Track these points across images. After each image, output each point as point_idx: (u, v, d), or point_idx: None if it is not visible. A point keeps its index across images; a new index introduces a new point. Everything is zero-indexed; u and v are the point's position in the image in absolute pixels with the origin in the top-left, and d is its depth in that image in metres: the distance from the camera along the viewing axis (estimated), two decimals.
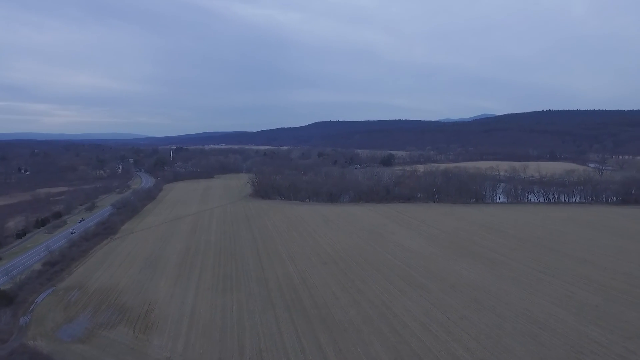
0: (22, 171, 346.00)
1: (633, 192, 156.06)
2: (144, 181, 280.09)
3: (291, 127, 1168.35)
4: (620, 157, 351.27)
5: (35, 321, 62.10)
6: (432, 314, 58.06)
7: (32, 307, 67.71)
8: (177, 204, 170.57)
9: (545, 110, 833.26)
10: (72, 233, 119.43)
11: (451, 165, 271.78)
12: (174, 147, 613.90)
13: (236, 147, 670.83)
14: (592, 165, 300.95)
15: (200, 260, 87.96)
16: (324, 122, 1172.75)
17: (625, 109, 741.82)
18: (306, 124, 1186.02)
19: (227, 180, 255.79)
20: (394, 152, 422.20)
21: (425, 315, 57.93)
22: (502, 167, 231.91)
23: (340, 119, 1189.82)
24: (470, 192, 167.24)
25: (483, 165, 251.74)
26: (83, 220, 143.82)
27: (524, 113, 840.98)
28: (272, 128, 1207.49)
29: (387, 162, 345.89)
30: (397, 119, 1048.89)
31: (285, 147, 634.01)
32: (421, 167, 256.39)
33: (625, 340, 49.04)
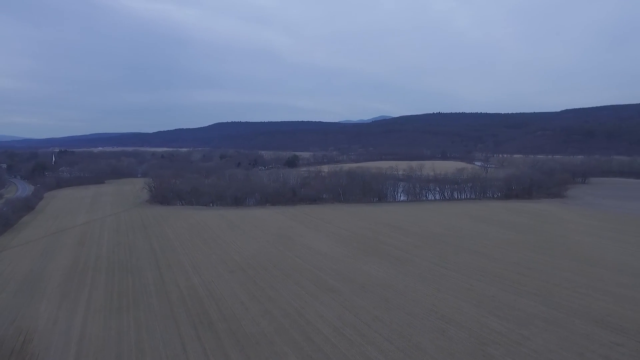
0: None
1: (514, 187, 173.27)
2: (20, 189, 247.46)
3: (191, 127, 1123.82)
4: (501, 155, 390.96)
5: None
6: (344, 318, 57.24)
7: None
8: (61, 214, 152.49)
9: (435, 112, 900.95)
10: None
11: (354, 165, 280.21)
12: (57, 150, 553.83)
13: (130, 149, 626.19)
14: (478, 163, 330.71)
15: (90, 277, 78.33)
16: (225, 122, 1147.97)
17: (503, 112, 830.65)
18: (206, 124, 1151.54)
19: (121, 186, 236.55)
20: (298, 153, 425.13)
21: (338, 319, 56.92)
22: (401, 166, 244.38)
23: (243, 120, 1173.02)
24: (373, 191, 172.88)
25: (383, 165, 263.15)
26: None
27: (417, 115, 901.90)
28: (170, 129, 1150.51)
29: (292, 163, 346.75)
30: (299, 120, 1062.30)
31: (185, 149, 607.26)
32: (326, 168, 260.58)
33: (520, 328, 52.40)
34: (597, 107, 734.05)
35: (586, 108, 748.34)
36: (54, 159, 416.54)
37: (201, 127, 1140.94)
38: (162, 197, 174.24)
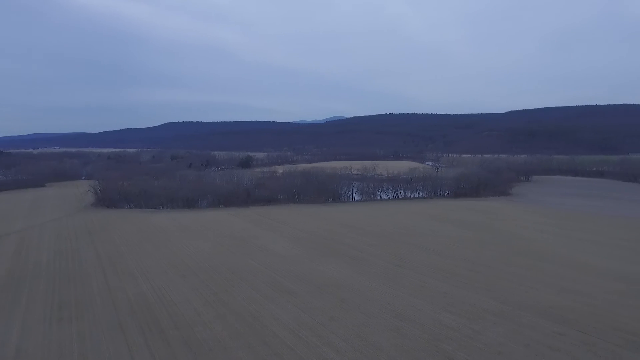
0: None
1: (463, 186, 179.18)
2: None
3: (140, 127, 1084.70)
4: (450, 155, 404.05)
5: None
6: (301, 320, 56.48)
7: None
8: None
9: (388, 113, 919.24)
10: None
11: (308, 165, 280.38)
12: None
13: (74, 150, 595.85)
14: (429, 163, 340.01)
15: (28, 288, 73.04)
16: (176, 122, 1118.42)
17: (452, 113, 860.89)
18: (156, 124, 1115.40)
19: (63, 189, 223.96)
20: (252, 154, 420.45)
21: (294, 321, 56.07)
22: (355, 166, 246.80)
23: (195, 120, 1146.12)
24: (328, 191, 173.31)
25: (338, 165, 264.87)
26: None
27: (370, 116, 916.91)
28: (117, 129, 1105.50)
29: (246, 164, 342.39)
30: (253, 120, 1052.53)
31: (133, 150, 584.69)
32: (280, 168, 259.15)
33: (472, 322, 53.74)
34: (539, 109, 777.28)
35: (529, 110, 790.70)
36: None
37: (151, 127, 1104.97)
38: (108, 200, 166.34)
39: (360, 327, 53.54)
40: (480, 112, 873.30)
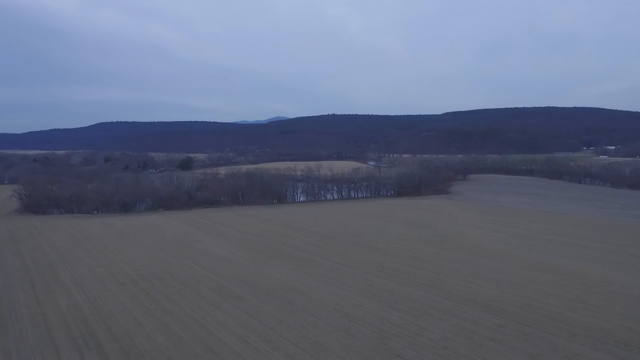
0: None
1: (405, 185, 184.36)
2: None
3: (69, 128, 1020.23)
4: (392, 155, 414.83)
5: None
6: (248, 325, 55.17)
7: None
8: None
9: (330, 114, 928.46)
10: None
11: (252, 167, 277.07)
12: None
13: None
14: (371, 163, 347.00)
15: None
16: (109, 122, 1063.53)
17: (392, 114, 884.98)
18: (87, 124, 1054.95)
19: None
20: (192, 155, 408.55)
21: (241, 327, 54.67)
22: (299, 167, 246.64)
23: (129, 120, 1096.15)
24: (272, 193, 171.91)
25: (282, 165, 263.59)
26: None
27: (313, 116, 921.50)
28: (44, 129, 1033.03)
29: (186, 165, 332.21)
30: (193, 120, 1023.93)
31: (62, 152, 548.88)
32: (223, 170, 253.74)
33: (418, 319, 55.05)
34: (472, 111, 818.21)
35: (463, 111, 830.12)
36: None
37: (81, 127, 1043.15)
38: (35, 205, 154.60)
39: (309, 329, 53.17)
40: (418, 114, 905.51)
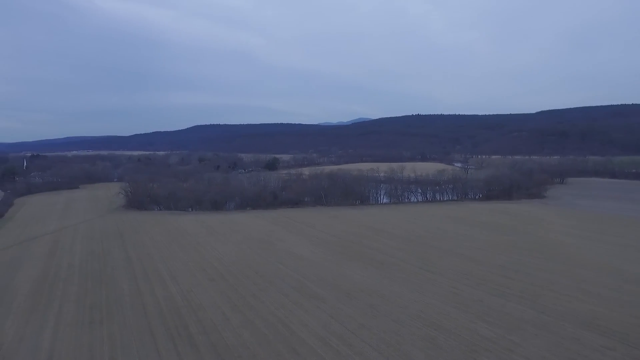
0: None
1: (494, 188, 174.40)
2: None
3: (168, 130, 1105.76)
4: (479, 156, 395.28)
5: None
6: (330, 327, 55.18)
7: None
8: (31, 221, 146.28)
9: (414, 114, 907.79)
10: None
11: (334, 167, 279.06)
12: (28, 154, 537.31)
13: (105, 153, 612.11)
14: (457, 164, 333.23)
15: (61, 289, 74.26)
16: (203, 125, 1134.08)
17: (479, 114, 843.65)
18: (184, 127, 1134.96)
19: (95, 191, 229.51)
20: (278, 156, 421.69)
21: (323, 328, 54.82)
22: (382, 168, 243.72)
23: (221, 122, 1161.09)
24: (355, 194, 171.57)
25: (364, 167, 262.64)
26: None
27: (396, 117, 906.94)
28: (146, 132, 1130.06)
29: (272, 166, 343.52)
30: (278, 122, 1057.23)
31: (162, 153, 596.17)
32: (306, 171, 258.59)
33: (510, 333, 51.27)
34: (569, 109, 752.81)
35: (560, 109, 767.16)
36: (25, 163, 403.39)
37: (179, 130, 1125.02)
38: (138, 202, 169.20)
39: (392, 336, 51.87)
40: (508, 113, 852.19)
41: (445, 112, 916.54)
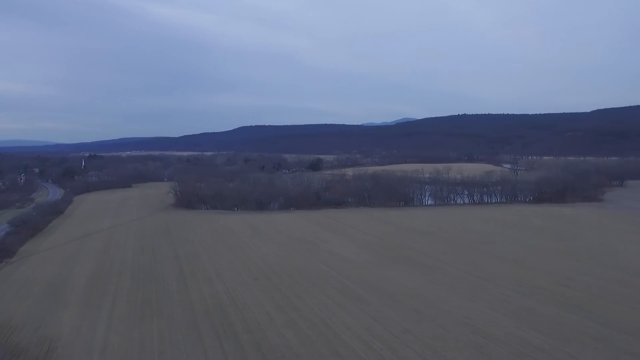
0: None
1: (546, 191, 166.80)
2: (51, 193, 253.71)
3: (215, 131, 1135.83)
4: (529, 157, 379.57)
5: None
6: (373, 330, 54.49)
7: None
8: (88, 218, 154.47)
9: (460, 114, 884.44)
10: None
11: (378, 168, 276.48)
12: (86, 154, 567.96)
13: (156, 153, 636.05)
14: (506, 165, 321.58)
15: (114, 284, 77.79)
16: (248, 126, 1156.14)
17: (530, 113, 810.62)
18: (231, 128, 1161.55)
19: (147, 190, 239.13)
20: (321, 156, 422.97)
21: (366, 331, 54.22)
22: (427, 169, 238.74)
23: (266, 123, 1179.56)
24: (399, 195, 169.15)
25: (408, 167, 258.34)
26: None
27: (441, 117, 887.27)
28: (195, 133, 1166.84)
29: (316, 166, 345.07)
30: (321, 123, 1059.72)
31: (209, 153, 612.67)
32: (350, 171, 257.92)
33: (565, 345, 48.62)
34: (628, 107, 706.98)
35: (618, 108, 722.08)
36: (83, 163, 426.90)
37: (226, 131, 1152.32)
38: (186, 201, 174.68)
39: (437, 342, 50.51)
40: (561, 111, 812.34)
41: (493, 112, 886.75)
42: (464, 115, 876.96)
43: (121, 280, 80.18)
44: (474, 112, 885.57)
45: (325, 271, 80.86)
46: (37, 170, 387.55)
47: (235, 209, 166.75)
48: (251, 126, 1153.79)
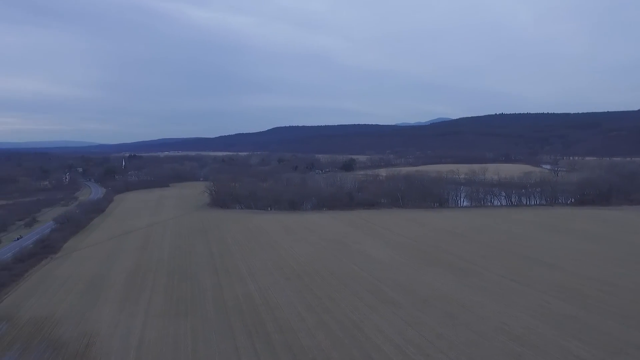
0: None
1: (589, 192, 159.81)
2: (94, 192, 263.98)
3: (250, 132, 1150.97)
4: (571, 158, 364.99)
5: None
6: (406, 334, 53.53)
7: None
8: (128, 217, 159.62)
9: (497, 113, 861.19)
10: None
11: (412, 169, 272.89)
12: (127, 154, 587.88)
13: (193, 153, 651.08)
14: (545, 166, 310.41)
15: (151, 281, 79.88)
16: (282, 127, 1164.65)
17: (571, 112, 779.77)
18: (265, 129, 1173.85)
19: (183, 189, 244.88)
20: (354, 157, 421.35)
21: (399, 335, 53.32)
22: (462, 170, 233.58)
23: (299, 124, 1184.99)
24: (433, 196, 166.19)
25: (443, 168, 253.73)
26: (20, 237, 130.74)
27: (478, 117, 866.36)
28: (230, 134, 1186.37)
29: (349, 166, 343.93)
30: (354, 123, 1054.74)
31: (244, 153, 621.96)
32: (383, 172, 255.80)
33: (612, 356, 46.22)
34: None
35: None
36: (123, 163, 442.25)
37: (260, 132, 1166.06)
38: (221, 200, 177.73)
39: (472, 348, 49.08)
40: (605, 110, 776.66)
41: (532, 111, 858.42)
42: (502, 114, 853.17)
43: (158, 277, 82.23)
44: (512, 112, 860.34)
45: (357, 272, 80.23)
46: (80, 169, 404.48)
47: (269, 208, 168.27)
48: (285, 127, 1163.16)
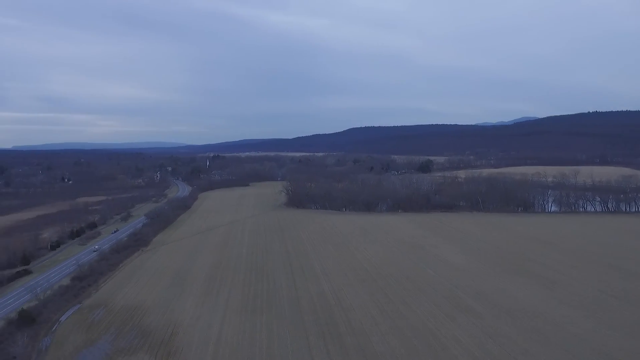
0: (65, 180, 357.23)
1: None
2: (181, 189, 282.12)
3: (326, 133, 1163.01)
4: None
5: (56, 344, 58.70)
6: (487, 347, 50.43)
7: (55, 326, 64.71)
8: (210, 214, 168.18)
9: (590, 111, 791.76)
10: (94, 250, 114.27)
11: (494, 171, 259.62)
12: (211, 155, 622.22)
13: (272, 154, 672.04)
14: None
15: (230, 277, 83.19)
16: (358, 127, 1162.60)
17: None
18: (341, 130, 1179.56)
19: (262, 189, 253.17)
20: (431, 158, 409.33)
21: (478, 347, 50.37)
22: (550, 172, 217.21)
23: (375, 124, 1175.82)
24: (517, 200, 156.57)
25: (528, 170, 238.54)
26: (117, 230, 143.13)
27: (567, 115, 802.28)
28: (307, 135, 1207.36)
29: (425, 168, 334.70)
30: (432, 123, 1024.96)
31: (320, 154, 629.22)
32: (462, 174, 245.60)
33: None
34: None
35: None
36: (208, 163, 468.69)
37: (336, 133, 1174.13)
38: (297, 200, 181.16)
39: None
40: None
41: (632, 108, 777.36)
42: (595, 112, 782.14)
43: (236, 274, 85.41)
44: (608, 109, 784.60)
45: (433, 277, 77.43)
46: (169, 168, 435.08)
47: (343, 209, 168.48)
48: (361, 127, 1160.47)
